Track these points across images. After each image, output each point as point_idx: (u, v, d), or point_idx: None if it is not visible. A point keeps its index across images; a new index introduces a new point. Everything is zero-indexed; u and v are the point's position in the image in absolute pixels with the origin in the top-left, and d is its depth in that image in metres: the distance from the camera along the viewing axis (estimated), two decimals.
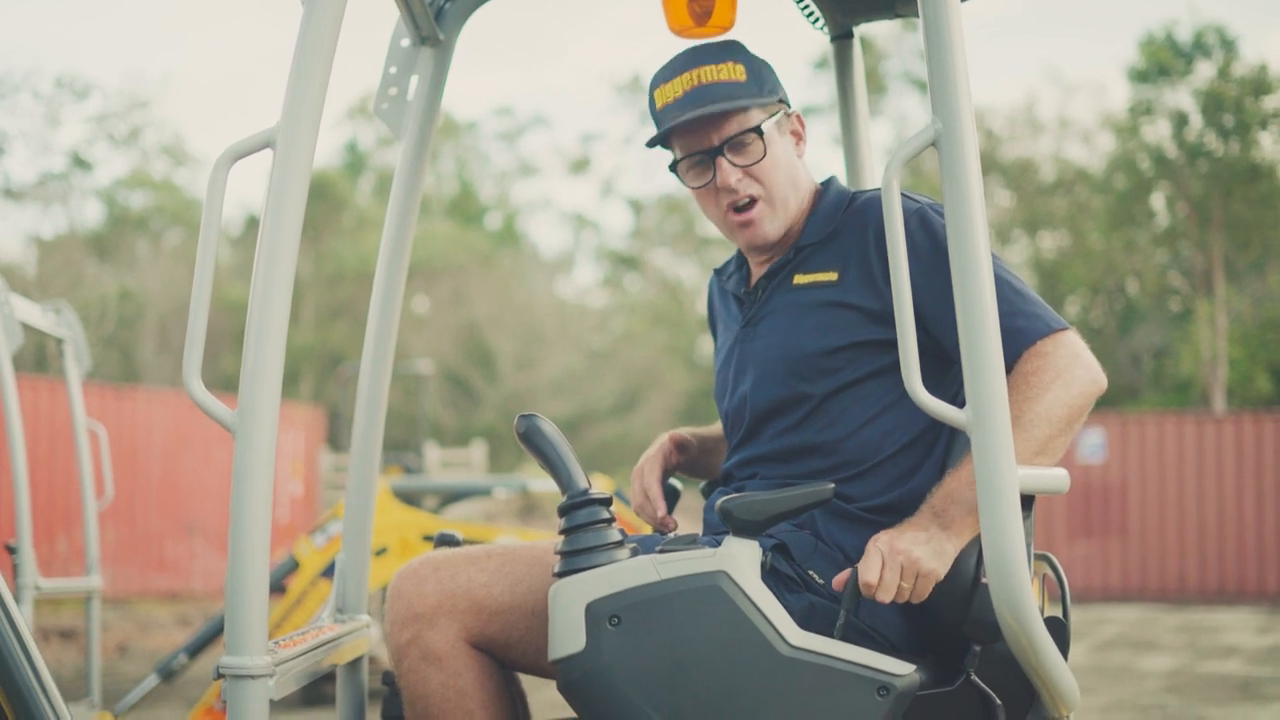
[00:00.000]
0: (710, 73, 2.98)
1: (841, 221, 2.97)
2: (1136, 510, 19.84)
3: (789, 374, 2.92)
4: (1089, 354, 2.76)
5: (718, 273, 3.31)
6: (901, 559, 2.59)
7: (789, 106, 3.08)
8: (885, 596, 2.59)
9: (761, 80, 3.01)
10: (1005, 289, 2.73)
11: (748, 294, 3.10)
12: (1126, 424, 20.07)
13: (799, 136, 3.09)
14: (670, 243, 44.81)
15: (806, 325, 2.92)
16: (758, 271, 3.11)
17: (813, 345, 2.89)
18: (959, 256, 2.50)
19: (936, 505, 2.67)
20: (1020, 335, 2.72)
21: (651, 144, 3.07)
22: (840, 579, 2.66)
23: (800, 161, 3.07)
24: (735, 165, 2.97)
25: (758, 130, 2.97)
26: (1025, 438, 2.62)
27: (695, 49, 3.04)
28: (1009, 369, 2.70)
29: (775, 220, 3.00)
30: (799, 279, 2.98)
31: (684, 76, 2.99)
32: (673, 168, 3.08)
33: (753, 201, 2.99)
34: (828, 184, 3.10)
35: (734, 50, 3.03)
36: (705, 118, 2.96)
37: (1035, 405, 2.65)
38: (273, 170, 2.44)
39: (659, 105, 3.04)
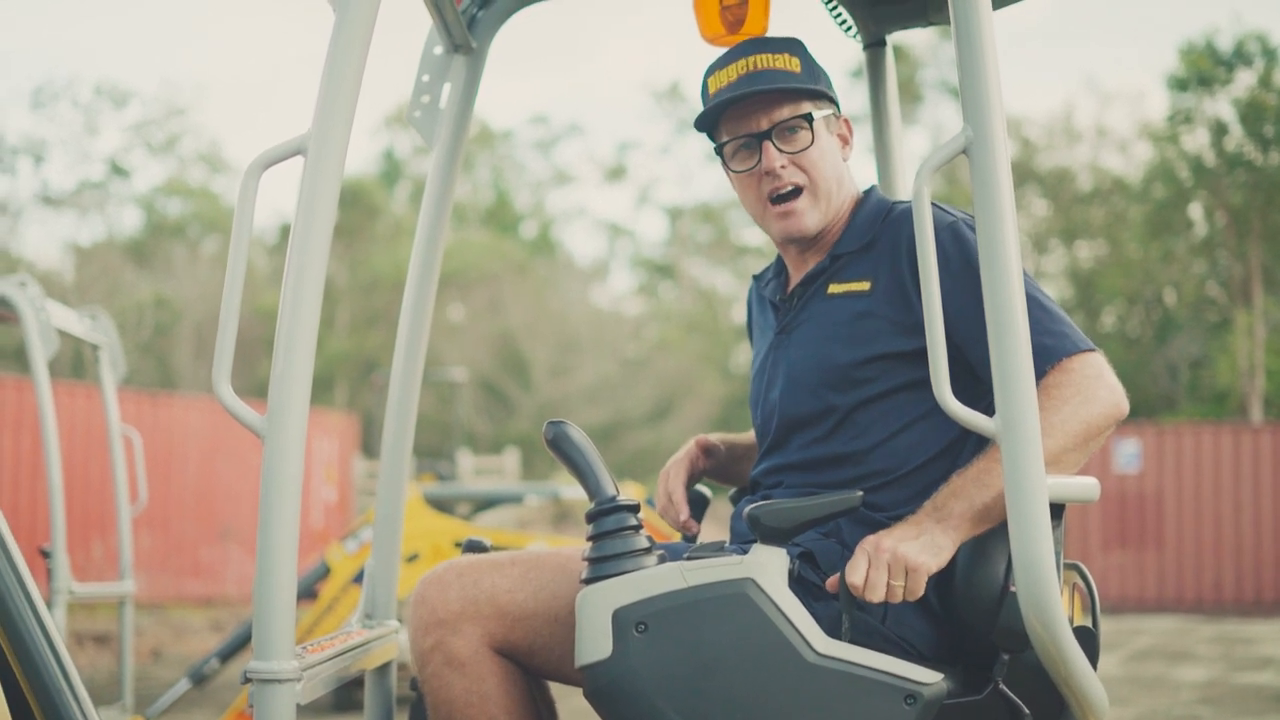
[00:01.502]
0: (766, 60, 2.98)
1: (879, 231, 2.96)
2: (1172, 520, 19.73)
3: (819, 384, 2.91)
4: (1113, 377, 2.74)
5: (757, 279, 3.30)
6: (887, 557, 2.58)
7: (839, 110, 3.07)
8: (874, 596, 2.58)
9: (816, 76, 3.01)
10: (1035, 308, 2.69)
11: (783, 301, 3.09)
12: (1163, 434, 19.97)
13: (845, 141, 3.08)
14: (705, 251, 44.85)
15: (838, 336, 2.91)
16: (795, 279, 3.10)
17: (844, 356, 2.88)
18: (989, 263, 2.49)
19: (938, 501, 2.67)
20: (1047, 352, 2.70)
21: (700, 126, 3.07)
22: (832, 581, 2.66)
23: (845, 166, 3.06)
24: (782, 151, 2.96)
25: (808, 118, 2.96)
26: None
27: (753, 40, 3.06)
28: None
29: (815, 213, 2.98)
30: (834, 288, 2.96)
31: (739, 63, 3.00)
32: (719, 152, 3.07)
33: (796, 191, 2.97)
34: (869, 193, 3.09)
35: (791, 44, 3.03)
36: (756, 101, 2.96)
37: (1052, 416, 2.63)
38: (303, 177, 2.44)
39: (711, 91, 3.04)
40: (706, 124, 3.06)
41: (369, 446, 24.37)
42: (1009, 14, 3.23)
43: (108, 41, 58.15)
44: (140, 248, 35.02)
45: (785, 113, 2.96)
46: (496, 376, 36.44)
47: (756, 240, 43.12)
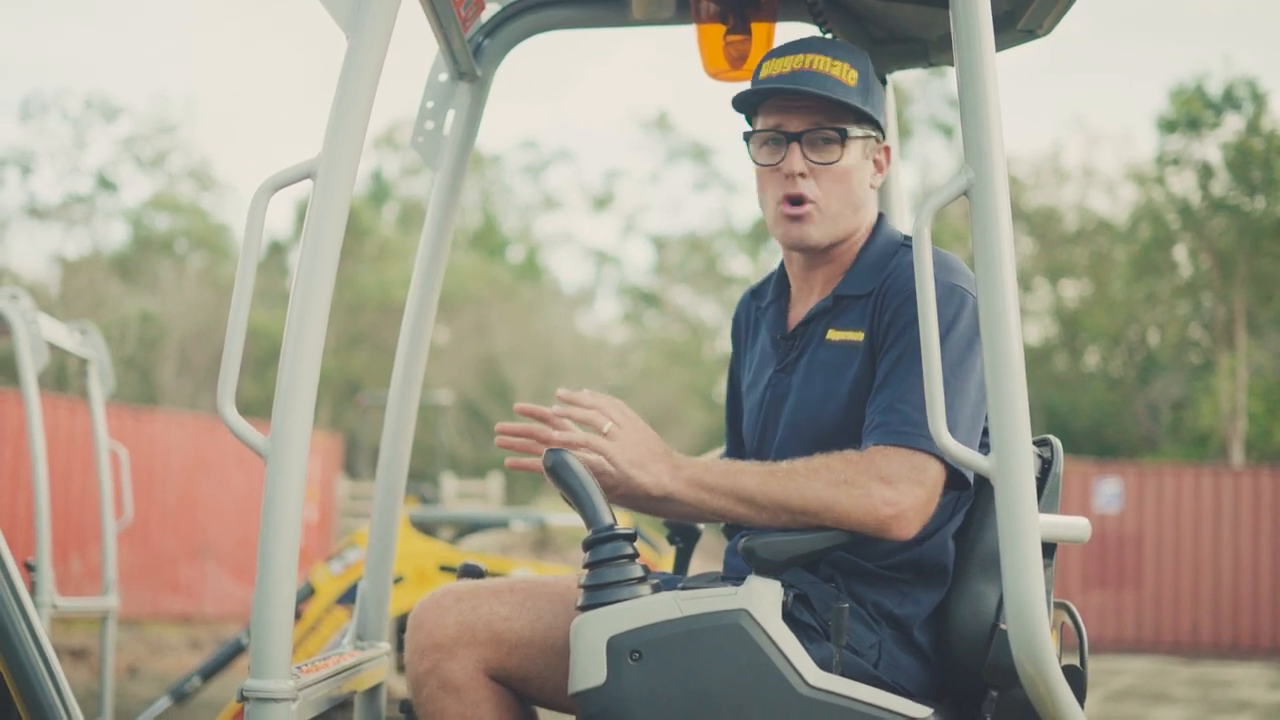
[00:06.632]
0: (824, 63, 2.91)
1: (882, 278, 2.91)
2: (1152, 562, 19.76)
3: (814, 440, 2.86)
4: (916, 494, 2.68)
5: (753, 294, 3.24)
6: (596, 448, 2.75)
7: (882, 136, 3.01)
8: (560, 436, 2.77)
9: (869, 95, 2.94)
10: (951, 383, 2.69)
11: (784, 339, 3.05)
12: (1144, 475, 20.02)
13: (880, 168, 3.01)
14: (692, 281, 44.85)
15: (833, 392, 2.88)
16: (797, 302, 3.07)
17: (841, 414, 2.86)
18: (988, 303, 2.50)
19: (696, 468, 2.77)
20: (884, 430, 2.73)
21: (738, 107, 3.01)
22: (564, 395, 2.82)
23: (870, 192, 3.00)
24: (805, 157, 2.90)
25: (841, 133, 2.90)
26: (772, 496, 2.71)
27: (820, 39, 2.99)
28: (862, 446, 2.74)
29: (821, 229, 2.93)
30: (832, 334, 2.93)
31: (798, 56, 2.93)
32: (747, 138, 3.00)
33: (802, 201, 2.91)
34: (879, 225, 3.03)
35: (856, 56, 2.96)
36: (798, 100, 2.90)
37: (808, 484, 2.69)
38: (312, 200, 2.46)
39: (762, 74, 2.96)
40: (745, 106, 3.00)
41: (351, 467, 24.31)
42: (1003, 55, 3.24)
43: (99, 55, 58.15)
44: (126, 262, 34.93)
45: (821, 120, 2.90)
46: (481, 400, 36.39)
47: (743, 270, 43.15)
